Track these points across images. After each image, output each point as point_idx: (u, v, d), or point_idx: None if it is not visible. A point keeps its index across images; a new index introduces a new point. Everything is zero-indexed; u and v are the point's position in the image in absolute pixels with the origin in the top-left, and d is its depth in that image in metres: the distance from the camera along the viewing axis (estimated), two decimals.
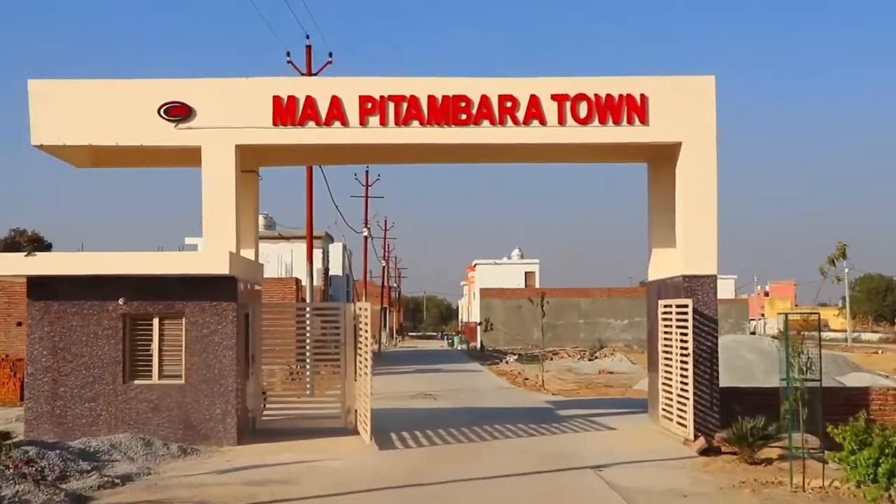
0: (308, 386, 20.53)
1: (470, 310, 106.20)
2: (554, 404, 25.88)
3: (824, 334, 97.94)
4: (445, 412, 23.51)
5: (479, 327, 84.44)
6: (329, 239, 56.92)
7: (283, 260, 53.30)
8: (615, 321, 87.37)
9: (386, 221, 77.63)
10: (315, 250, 54.68)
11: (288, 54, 30.57)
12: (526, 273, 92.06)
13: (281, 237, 53.97)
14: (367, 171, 55.52)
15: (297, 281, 41.50)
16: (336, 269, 62.84)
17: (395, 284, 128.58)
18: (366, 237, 53.58)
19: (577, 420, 21.18)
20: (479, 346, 78.14)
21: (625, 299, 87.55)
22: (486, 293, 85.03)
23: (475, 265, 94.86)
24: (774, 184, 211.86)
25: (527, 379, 39.51)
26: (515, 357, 58.41)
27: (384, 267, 76.70)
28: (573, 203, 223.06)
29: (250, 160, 19.38)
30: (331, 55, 31.95)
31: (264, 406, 19.46)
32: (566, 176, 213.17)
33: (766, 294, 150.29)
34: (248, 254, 19.31)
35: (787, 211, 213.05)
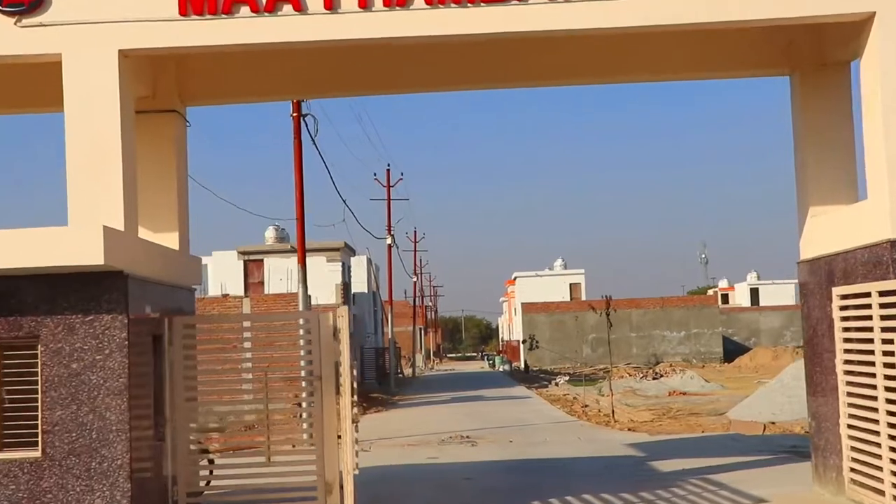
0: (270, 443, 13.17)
1: (511, 327, 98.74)
2: (641, 448, 18.52)
3: None
4: (491, 471, 16.20)
5: (521, 346, 76.95)
6: (350, 251, 49.90)
7: (294, 275, 46.28)
8: (670, 333, 79.52)
9: (416, 233, 70.49)
10: (331, 264, 47.83)
11: None
12: (571, 285, 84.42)
13: (294, 250, 46.97)
14: (388, 169, 48.40)
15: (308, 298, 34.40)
16: (360, 285, 55.75)
17: (430, 303, 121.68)
18: (390, 245, 46.41)
19: (694, 481, 13.78)
20: (522, 366, 70.71)
21: (680, 309, 79.72)
22: (528, 308, 77.57)
23: (515, 278, 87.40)
24: None
25: (586, 406, 32.15)
26: (566, 378, 50.94)
27: (415, 282, 69.63)
28: (617, 208, 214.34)
29: (166, 90, 12.30)
30: None
31: (209, 480, 12.31)
32: (606, 178, 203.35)
33: None
34: (165, 240, 12.19)
35: None
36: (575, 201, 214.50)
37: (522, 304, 78.66)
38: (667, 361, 77.31)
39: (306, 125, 22.02)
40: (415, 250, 69.92)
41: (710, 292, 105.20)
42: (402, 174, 48.38)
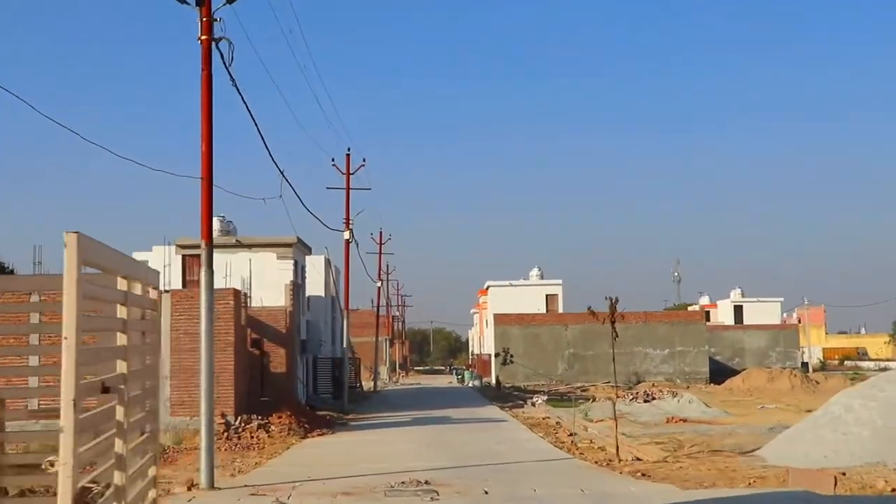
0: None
1: (482, 340, 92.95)
2: None
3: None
4: None
5: (493, 360, 71.19)
6: (304, 249, 43.95)
7: (240, 272, 40.33)
8: (653, 351, 74.21)
9: (381, 234, 64.30)
10: (282, 261, 41.88)
11: None
12: (547, 296, 78.69)
13: (240, 245, 41.03)
14: (347, 154, 42.38)
15: (238, 294, 28.48)
16: (316, 288, 49.78)
17: (398, 314, 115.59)
18: (347, 241, 40.46)
19: None
20: (494, 382, 64.89)
21: (664, 325, 74.46)
22: (501, 319, 71.86)
23: (488, 287, 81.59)
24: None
25: (573, 435, 26.46)
26: (544, 398, 45.18)
27: (379, 287, 63.49)
28: (598, 216, 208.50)
29: None
30: None
31: None
32: (589, 183, 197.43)
33: (799, 321, 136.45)
34: None
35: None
36: (554, 208, 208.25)
37: (495, 315, 72.98)
38: (648, 381, 71.83)
39: (221, 54, 16.12)
40: (380, 252, 63.89)
41: (689, 310, 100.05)
42: (364, 160, 42.18)
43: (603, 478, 16.72)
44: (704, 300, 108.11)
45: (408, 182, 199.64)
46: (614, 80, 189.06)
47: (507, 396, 51.77)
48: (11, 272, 42.67)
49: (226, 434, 25.68)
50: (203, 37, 16.11)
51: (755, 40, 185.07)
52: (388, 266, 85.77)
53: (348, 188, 40.91)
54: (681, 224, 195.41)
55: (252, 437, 25.68)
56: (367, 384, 64.38)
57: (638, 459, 20.51)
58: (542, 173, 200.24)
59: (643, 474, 17.07)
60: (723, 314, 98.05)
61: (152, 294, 7.00)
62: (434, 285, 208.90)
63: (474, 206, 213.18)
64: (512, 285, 79.04)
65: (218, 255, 41.83)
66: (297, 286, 39.95)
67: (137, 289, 6.60)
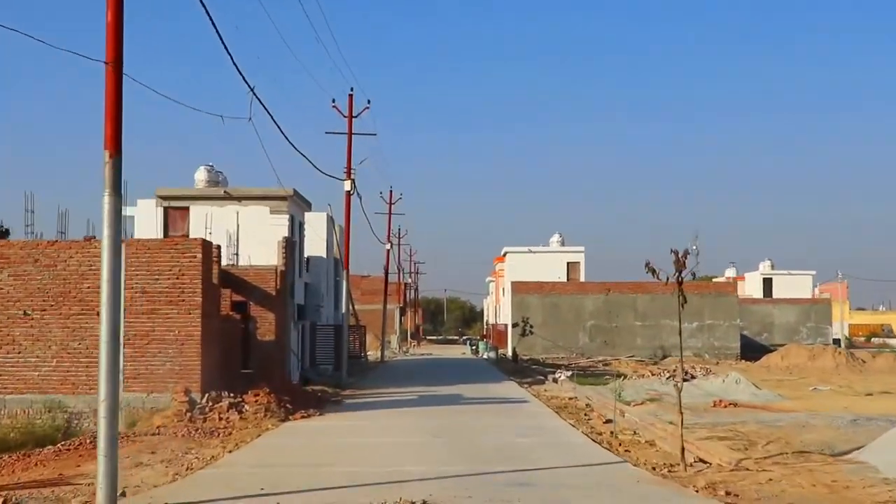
0: None
1: (498, 309, 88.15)
2: None
3: None
4: None
5: (510, 330, 66.43)
6: (302, 203, 39.22)
7: (226, 226, 35.63)
8: (682, 324, 68.67)
9: (391, 193, 59.11)
10: (276, 216, 37.12)
11: None
12: (569, 264, 73.66)
13: (228, 196, 36.29)
14: (350, 93, 37.30)
15: (207, 246, 23.71)
16: (316, 248, 45.02)
17: (410, 280, 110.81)
18: (348, 192, 35.62)
19: None
20: (510, 354, 60.16)
21: (693, 296, 68.83)
22: (519, 287, 66.97)
23: (505, 254, 76.64)
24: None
25: (609, 422, 21.67)
26: (569, 373, 40.38)
27: (388, 249, 58.46)
28: (622, 179, 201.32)
29: None
30: None
31: None
32: (612, 142, 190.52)
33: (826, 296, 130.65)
34: None
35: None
36: (575, 173, 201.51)
37: (513, 282, 68.11)
38: (676, 356, 67.04)
39: None
40: (389, 212, 58.84)
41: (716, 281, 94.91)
42: (368, 102, 37.10)
43: (672, 499, 11.91)
44: (731, 272, 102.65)
45: (420, 140, 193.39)
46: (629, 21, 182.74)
47: (525, 371, 47.08)
48: None
49: (189, 415, 21.05)
50: None
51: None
52: (399, 230, 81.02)
53: (350, 133, 35.97)
54: (705, 193, 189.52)
55: (220, 420, 21.04)
56: (375, 354, 59.85)
57: (702, 462, 15.76)
58: (564, 131, 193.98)
59: (728, 492, 12.27)
60: (750, 287, 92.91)
61: None
62: (449, 252, 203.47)
63: (492, 168, 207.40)
64: (531, 251, 74.02)
65: (199, 207, 37.35)
66: (292, 243, 35.21)
67: None
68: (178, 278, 22.02)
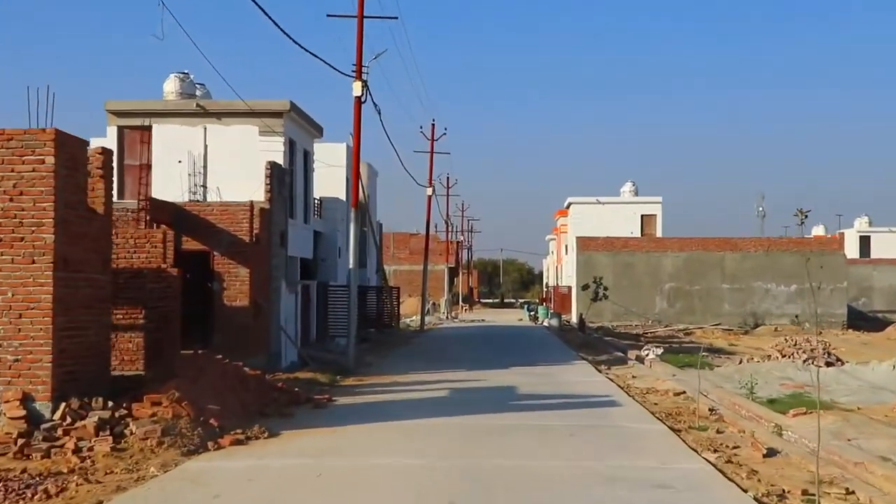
0: None
1: (559, 270, 78.15)
2: None
3: None
4: None
5: (576, 293, 56.49)
6: (307, 126, 29.83)
7: (192, 150, 26.30)
8: (776, 287, 58.38)
9: (433, 128, 48.87)
10: (267, 138, 27.71)
11: None
12: (643, 216, 63.47)
13: (203, 111, 26.82)
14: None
15: (70, 144, 14.15)
16: (333, 189, 35.55)
17: (462, 239, 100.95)
18: (358, 97, 26.07)
19: None
20: (576, 321, 50.28)
21: (791, 255, 58.23)
22: (585, 244, 56.96)
23: (569, 205, 66.60)
24: None
25: (769, 455, 11.83)
26: (659, 350, 30.41)
27: (430, 196, 48.53)
28: (700, 123, 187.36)
29: None
30: None
31: None
32: (690, 85, 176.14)
33: None
34: None
35: None
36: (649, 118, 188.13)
37: (578, 238, 58.09)
38: (770, 323, 56.86)
39: None
40: (431, 150, 48.18)
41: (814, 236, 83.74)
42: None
43: None
44: (819, 230, 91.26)
45: (471, 83, 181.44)
46: None
47: (597, 344, 37.28)
48: None
49: (22, 442, 11.72)
50: None
51: None
52: (448, 178, 71.14)
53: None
54: (805, 156, 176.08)
55: (75, 454, 11.63)
56: (415, 320, 50.57)
57: None
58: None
59: None
60: (846, 246, 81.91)
61: None
62: (505, 208, 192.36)
63: (553, 112, 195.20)
64: (599, 202, 63.87)
65: (166, 127, 28.05)
66: (283, 172, 25.72)
67: None
68: (11, 199, 12.60)
